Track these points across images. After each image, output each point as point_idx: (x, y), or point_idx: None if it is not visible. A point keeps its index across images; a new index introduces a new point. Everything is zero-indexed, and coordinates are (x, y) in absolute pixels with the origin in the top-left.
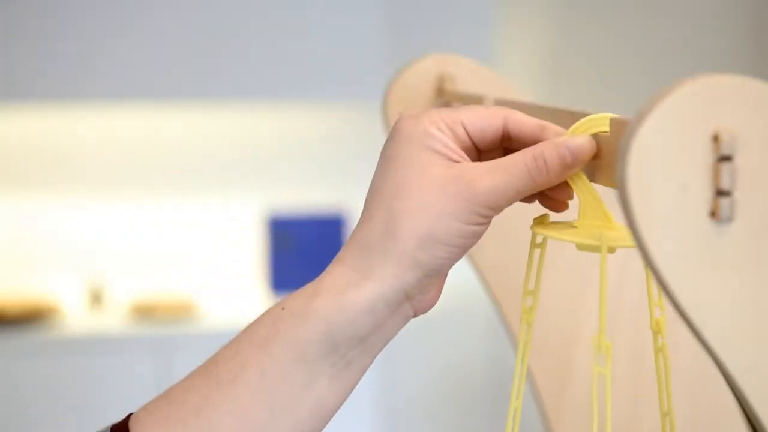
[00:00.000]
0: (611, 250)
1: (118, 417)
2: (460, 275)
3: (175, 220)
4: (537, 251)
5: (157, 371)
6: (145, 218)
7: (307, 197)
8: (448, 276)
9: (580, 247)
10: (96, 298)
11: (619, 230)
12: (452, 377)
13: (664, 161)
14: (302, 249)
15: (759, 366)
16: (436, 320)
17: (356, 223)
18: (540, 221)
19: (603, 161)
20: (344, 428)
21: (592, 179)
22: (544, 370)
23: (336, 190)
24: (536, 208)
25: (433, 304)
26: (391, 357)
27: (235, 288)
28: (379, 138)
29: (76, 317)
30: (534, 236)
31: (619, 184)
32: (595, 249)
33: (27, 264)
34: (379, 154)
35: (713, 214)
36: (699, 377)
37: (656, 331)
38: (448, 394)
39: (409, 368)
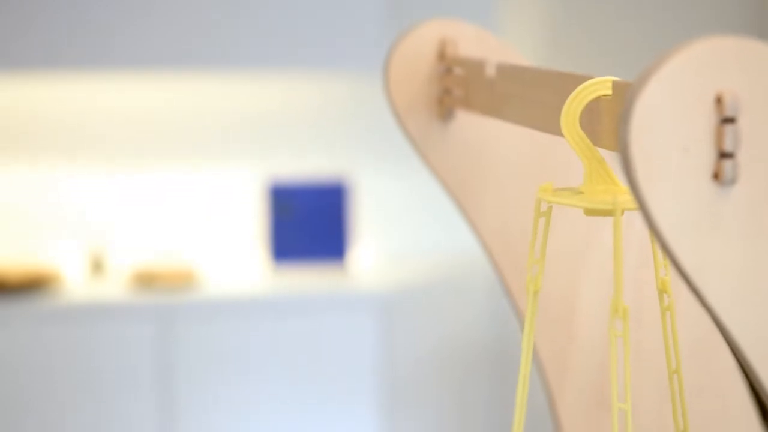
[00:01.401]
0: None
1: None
2: (461, 244)
3: (176, 188)
4: (541, 219)
5: (158, 339)
6: (146, 186)
7: (308, 165)
8: (448, 243)
9: (589, 212)
10: (97, 266)
11: (627, 193)
12: (453, 347)
13: (667, 124)
14: (303, 217)
15: (760, 327)
16: (437, 290)
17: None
18: (545, 188)
19: (605, 125)
20: (345, 398)
21: (595, 143)
22: (546, 337)
23: (337, 158)
24: (537, 174)
25: None
26: (391, 327)
27: (236, 256)
28: (380, 105)
29: (77, 285)
30: (538, 204)
31: (621, 147)
32: (606, 213)
33: (28, 232)
34: (380, 122)
35: (716, 176)
36: (699, 341)
37: (662, 291)
38: (448, 364)
39: (410, 338)
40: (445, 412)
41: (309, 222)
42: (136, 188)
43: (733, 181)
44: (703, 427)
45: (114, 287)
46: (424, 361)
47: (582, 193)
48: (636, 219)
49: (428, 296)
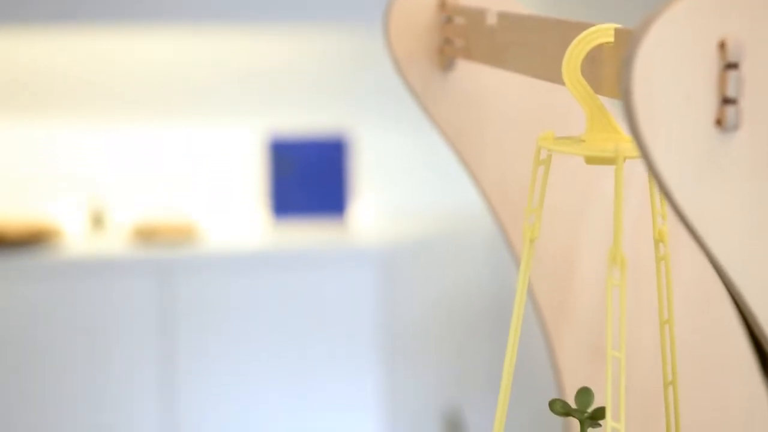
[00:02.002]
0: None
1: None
2: (462, 199)
3: (176, 143)
4: (541, 168)
5: (159, 294)
6: (146, 141)
7: (308, 120)
8: (448, 198)
9: (590, 160)
10: (97, 221)
11: (629, 141)
12: (453, 301)
13: (669, 70)
14: (303, 172)
15: (762, 274)
16: (437, 245)
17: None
18: (545, 137)
19: (607, 73)
20: (346, 352)
21: (597, 91)
22: (545, 285)
23: (337, 113)
24: (538, 124)
25: None
26: (391, 282)
27: (237, 211)
28: (380, 60)
29: (77, 240)
30: (538, 152)
31: (623, 94)
32: (607, 161)
33: (28, 187)
34: (381, 77)
35: (719, 122)
36: (700, 292)
37: (658, 240)
38: (449, 318)
39: (410, 293)
40: (446, 365)
41: (309, 177)
42: (137, 143)
43: (735, 128)
44: (703, 378)
45: (114, 242)
46: (424, 316)
47: (583, 141)
48: (638, 170)
49: (428, 251)
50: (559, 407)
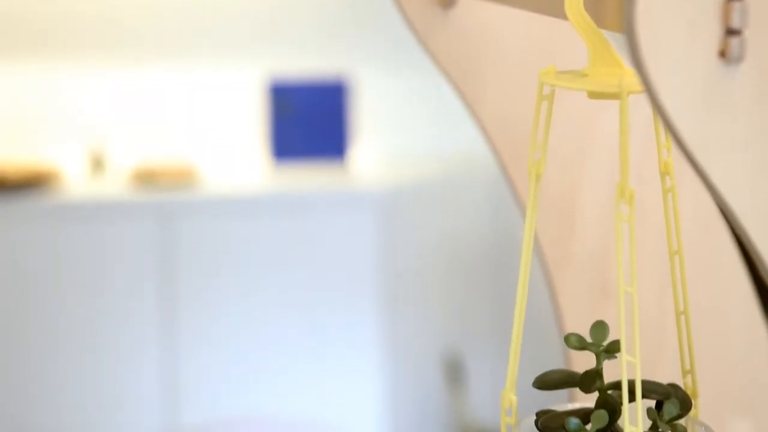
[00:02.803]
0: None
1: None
2: (462, 142)
3: (176, 86)
4: (544, 103)
5: (159, 237)
6: (146, 84)
7: (309, 64)
8: (448, 141)
9: (593, 95)
10: (97, 165)
11: (633, 76)
12: (454, 244)
13: (673, 1)
14: (303, 116)
15: (765, 207)
16: (438, 188)
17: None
18: (548, 71)
19: (610, 7)
20: (346, 296)
21: (600, 26)
22: (547, 225)
23: (338, 57)
24: (540, 61)
25: None
26: (392, 225)
27: (237, 155)
28: (381, 2)
29: (77, 183)
30: (541, 87)
31: (626, 26)
32: (611, 96)
33: (28, 130)
34: (381, 20)
35: (722, 54)
36: (700, 228)
37: (664, 173)
38: (449, 261)
39: (411, 236)
40: (446, 309)
41: (309, 120)
42: (137, 86)
43: (739, 59)
44: (703, 313)
45: (114, 186)
46: (424, 259)
47: (586, 76)
48: (640, 105)
49: (429, 194)
50: (575, 341)
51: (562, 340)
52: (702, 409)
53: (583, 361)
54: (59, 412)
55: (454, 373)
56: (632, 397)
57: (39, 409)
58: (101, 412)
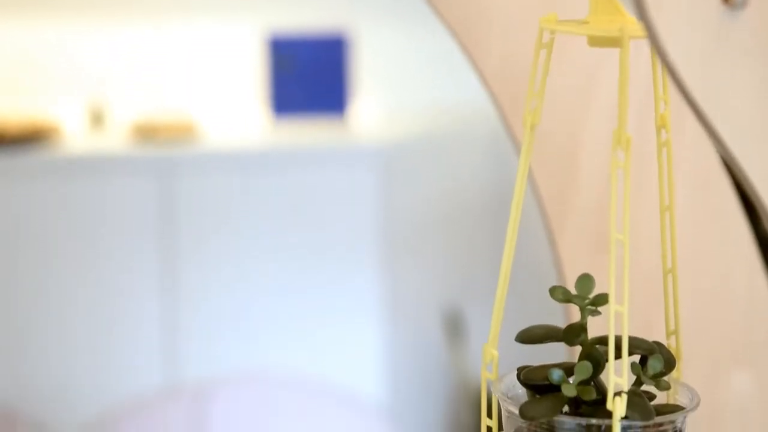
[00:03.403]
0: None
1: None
2: (463, 98)
3: (176, 40)
4: (543, 51)
5: (158, 192)
6: (146, 39)
7: (308, 17)
8: (449, 96)
9: (594, 41)
10: (97, 119)
11: (634, 23)
12: (455, 199)
13: None
14: (303, 71)
15: None
16: (439, 143)
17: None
18: (548, 18)
19: None
20: (346, 251)
21: None
22: (547, 175)
23: (338, 10)
24: (543, 10)
25: None
26: (392, 180)
27: (236, 109)
28: None
29: (76, 138)
30: (540, 35)
31: None
32: (612, 42)
33: (27, 84)
34: None
35: (726, 0)
36: (701, 180)
37: (660, 126)
38: (450, 216)
39: (411, 191)
40: (447, 264)
41: (309, 75)
42: (136, 41)
43: (743, 5)
44: (701, 265)
45: (114, 140)
46: (425, 214)
47: (587, 23)
48: (642, 53)
49: (429, 149)
50: (560, 294)
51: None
52: (701, 361)
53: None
54: (58, 367)
55: (454, 327)
56: (618, 351)
57: (38, 364)
58: (101, 367)
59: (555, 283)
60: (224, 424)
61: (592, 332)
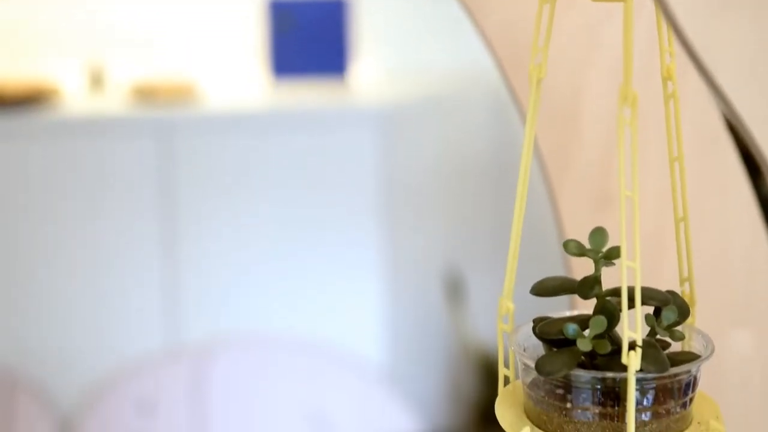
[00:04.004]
0: None
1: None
2: (464, 59)
3: (175, 1)
4: (546, 6)
5: (158, 154)
6: (145, 0)
7: None
8: (450, 57)
9: None
10: (96, 81)
11: None
12: (455, 160)
13: None
14: (303, 32)
15: None
16: (440, 102)
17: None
18: None
19: None
20: (347, 213)
21: None
22: (548, 132)
23: None
24: None
25: None
26: (393, 141)
27: (236, 71)
28: None
29: (76, 99)
30: None
31: None
32: None
33: (27, 46)
34: None
35: None
36: (701, 135)
37: (666, 78)
38: (451, 177)
39: (412, 152)
40: (447, 225)
41: (309, 36)
42: (136, 2)
43: None
44: (702, 223)
45: (113, 102)
46: (426, 176)
47: None
48: (645, 7)
49: (430, 110)
50: (574, 247)
51: (561, 247)
52: (702, 320)
53: (583, 272)
54: (59, 328)
55: (455, 289)
56: (631, 304)
57: (38, 324)
58: (101, 329)
59: (555, 241)
60: (224, 387)
61: (605, 281)
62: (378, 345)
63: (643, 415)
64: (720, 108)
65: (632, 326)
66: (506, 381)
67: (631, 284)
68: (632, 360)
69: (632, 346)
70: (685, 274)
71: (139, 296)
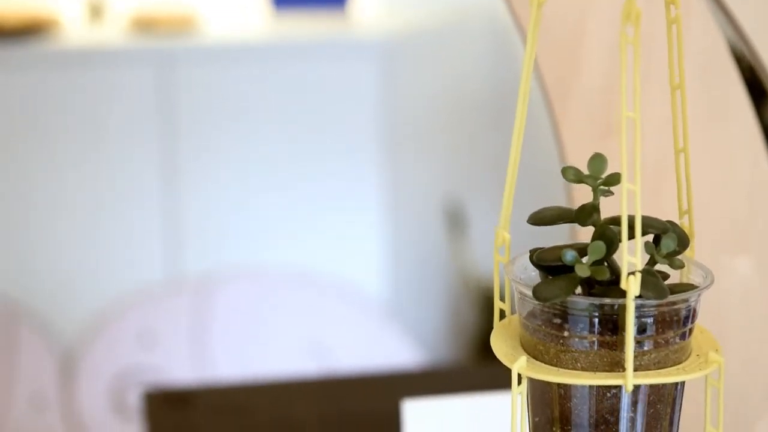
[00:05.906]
0: None
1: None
2: None
3: None
4: None
5: (158, 84)
6: None
7: None
8: None
9: None
10: (96, 11)
11: None
12: (456, 93)
13: None
14: None
15: None
16: (441, 34)
17: None
18: None
19: None
20: (347, 145)
21: None
22: (551, 61)
23: None
24: None
25: None
26: (394, 73)
27: (237, 1)
28: None
29: (75, 30)
30: None
31: None
32: None
33: None
34: None
35: None
36: (708, 64)
37: (669, 2)
38: (452, 110)
39: (413, 84)
40: (448, 157)
41: None
42: None
43: None
44: (708, 151)
45: (113, 32)
46: (426, 106)
47: None
48: None
49: (431, 41)
50: (571, 174)
51: (560, 172)
52: (704, 247)
53: (585, 202)
54: (60, 261)
55: (455, 222)
56: (631, 231)
57: (40, 258)
58: (102, 261)
59: (557, 170)
60: (225, 318)
61: (603, 214)
62: (378, 277)
63: (641, 345)
64: (725, 33)
65: (632, 252)
66: (502, 315)
67: (631, 210)
68: (631, 285)
69: (631, 272)
70: (685, 207)
71: (140, 228)
